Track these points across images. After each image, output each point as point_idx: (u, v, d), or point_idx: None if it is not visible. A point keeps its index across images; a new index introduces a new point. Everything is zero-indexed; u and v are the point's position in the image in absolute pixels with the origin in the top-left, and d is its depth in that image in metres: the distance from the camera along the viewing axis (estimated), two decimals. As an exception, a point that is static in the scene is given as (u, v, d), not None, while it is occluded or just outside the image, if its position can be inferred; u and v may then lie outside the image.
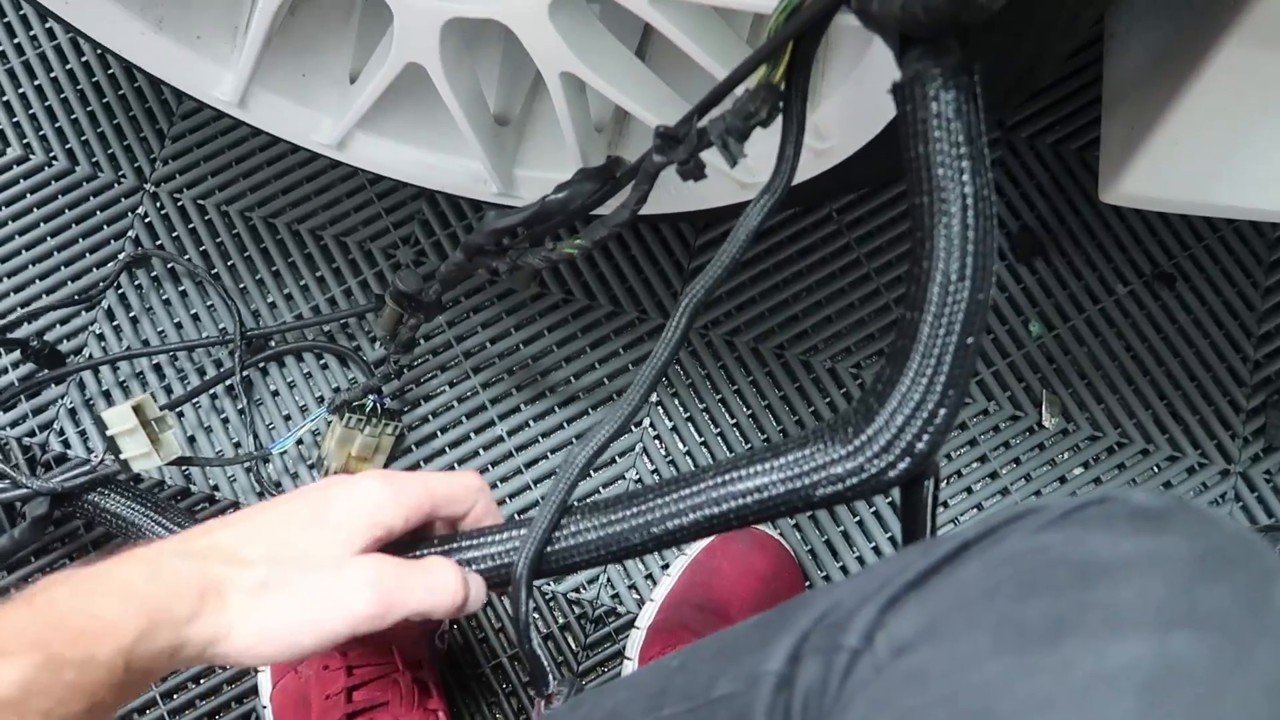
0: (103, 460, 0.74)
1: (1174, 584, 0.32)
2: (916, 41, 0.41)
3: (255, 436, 0.92)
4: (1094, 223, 0.96)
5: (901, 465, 0.45)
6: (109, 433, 0.72)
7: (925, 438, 0.44)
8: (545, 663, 0.53)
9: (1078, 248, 0.96)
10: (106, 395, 0.93)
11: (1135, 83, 0.67)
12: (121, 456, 0.72)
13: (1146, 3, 0.68)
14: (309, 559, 0.49)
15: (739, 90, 0.51)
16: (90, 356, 0.94)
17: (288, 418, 0.93)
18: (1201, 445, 0.92)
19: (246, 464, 0.91)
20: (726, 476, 0.48)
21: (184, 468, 0.91)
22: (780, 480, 0.47)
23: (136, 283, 0.95)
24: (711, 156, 0.52)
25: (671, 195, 0.73)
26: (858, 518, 0.91)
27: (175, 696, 0.88)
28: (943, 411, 0.44)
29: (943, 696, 0.32)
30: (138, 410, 0.72)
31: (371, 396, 0.88)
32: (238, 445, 0.92)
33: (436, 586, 0.50)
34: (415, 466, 0.92)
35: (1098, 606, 0.32)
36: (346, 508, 0.50)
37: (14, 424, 0.93)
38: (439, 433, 0.93)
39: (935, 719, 0.32)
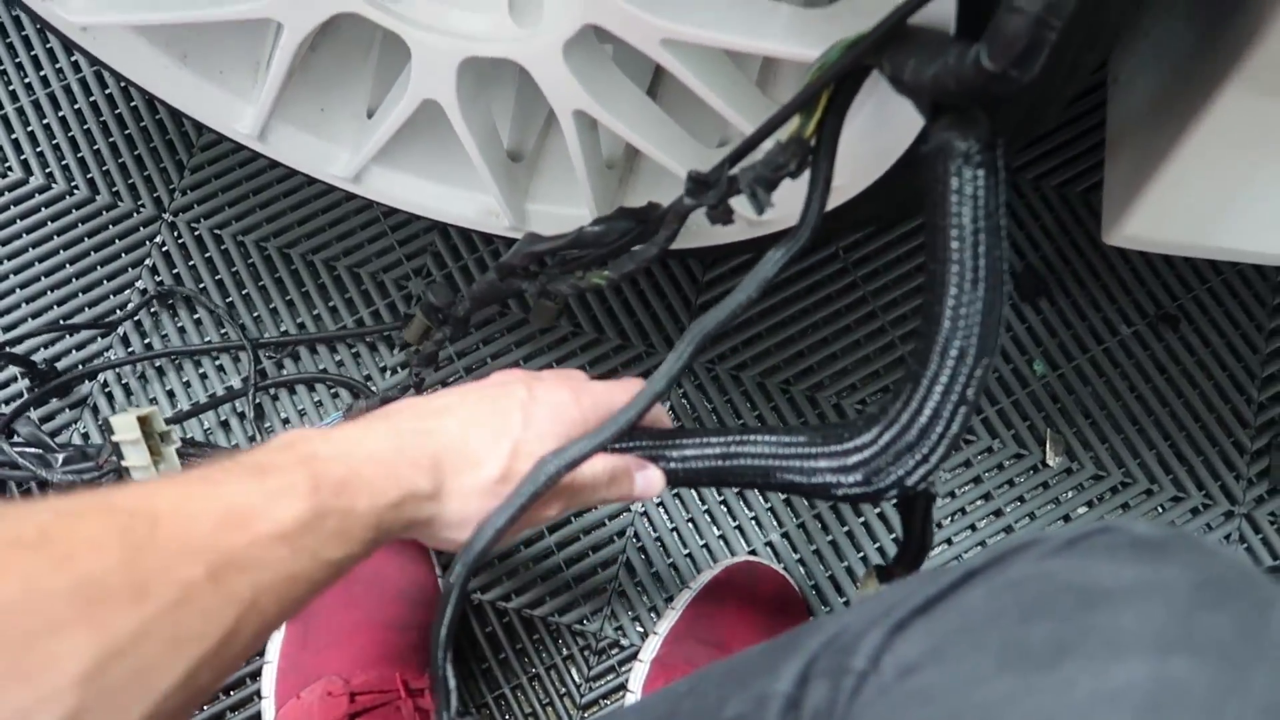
0: (106, 459, 0.75)
1: (1173, 610, 0.33)
2: (947, 109, 0.43)
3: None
4: (1098, 264, 0.97)
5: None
6: (114, 438, 0.73)
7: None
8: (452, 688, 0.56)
9: (1082, 288, 0.96)
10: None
11: (1138, 127, 0.68)
12: (123, 464, 0.73)
13: (1149, 49, 0.70)
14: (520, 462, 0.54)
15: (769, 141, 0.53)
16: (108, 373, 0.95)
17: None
18: (1206, 486, 0.92)
19: None
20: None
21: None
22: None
23: (153, 311, 0.97)
24: (734, 200, 0.54)
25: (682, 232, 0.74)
26: (861, 553, 0.91)
27: None
28: (935, 457, 0.47)
29: (946, 714, 0.33)
30: (143, 422, 0.72)
31: None
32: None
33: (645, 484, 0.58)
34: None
35: (1099, 630, 0.33)
36: (549, 416, 0.55)
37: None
38: (447, 463, 0.93)
39: None
